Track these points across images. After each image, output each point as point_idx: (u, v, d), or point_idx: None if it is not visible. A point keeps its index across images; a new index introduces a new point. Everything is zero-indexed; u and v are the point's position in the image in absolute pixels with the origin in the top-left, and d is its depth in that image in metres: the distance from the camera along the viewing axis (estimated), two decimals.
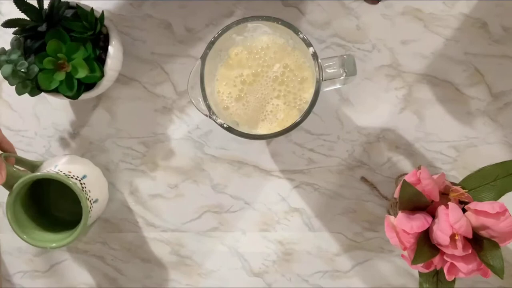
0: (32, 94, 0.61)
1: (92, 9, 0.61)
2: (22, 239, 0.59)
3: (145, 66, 0.69)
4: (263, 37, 0.60)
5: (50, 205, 0.67)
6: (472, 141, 0.67)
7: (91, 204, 0.61)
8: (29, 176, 0.58)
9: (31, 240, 0.59)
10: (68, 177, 0.59)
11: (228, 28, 0.57)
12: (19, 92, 0.60)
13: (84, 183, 0.61)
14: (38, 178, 0.59)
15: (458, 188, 0.55)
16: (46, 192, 0.67)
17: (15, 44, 0.61)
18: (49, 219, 0.65)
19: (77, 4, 0.61)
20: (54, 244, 0.59)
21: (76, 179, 0.60)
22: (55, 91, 0.61)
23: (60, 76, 0.60)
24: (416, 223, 0.52)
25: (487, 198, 0.54)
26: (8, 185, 0.58)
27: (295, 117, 0.58)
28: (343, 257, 0.68)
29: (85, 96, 0.63)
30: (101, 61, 0.63)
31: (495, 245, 0.51)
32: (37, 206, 0.65)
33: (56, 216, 0.66)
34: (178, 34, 0.69)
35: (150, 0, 0.68)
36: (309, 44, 0.56)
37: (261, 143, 0.68)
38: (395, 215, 0.56)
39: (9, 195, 0.59)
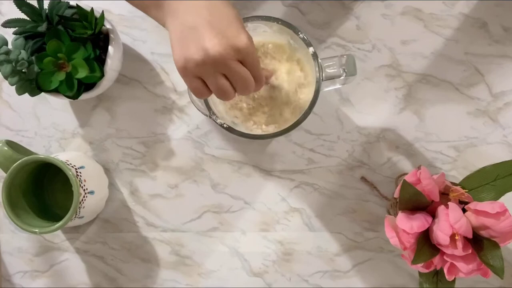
0: (32, 94, 0.61)
1: (92, 9, 0.61)
2: (9, 216, 0.60)
3: (145, 66, 0.69)
4: (263, 37, 0.60)
5: (52, 203, 0.68)
6: (472, 141, 0.67)
7: (85, 193, 0.61)
8: (25, 158, 0.59)
9: (18, 221, 0.60)
10: (63, 163, 0.60)
11: None
12: (19, 92, 0.60)
13: (80, 172, 0.62)
14: (34, 161, 0.60)
15: (458, 188, 0.55)
16: (50, 190, 0.68)
17: (15, 44, 0.61)
18: (49, 214, 0.65)
19: (77, 4, 0.61)
20: (37, 230, 0.60)
21: (72, 166, 0.61)
22: (55, 91, 0.61)
23: (60, 76, 0.60)
24: (416, 223, 0.52)
25: (487, 198, 0.54)
26: (6, 168, 0.60)
27: (295, 117, 0.58)
28: (343, 257, 0.68)
29: (85, 96, 0.63)
30: (101, 61, 0.63)
31: (495, 245, 0.51)
32: (39, 200, 0.66)
33: (56, 213, 0.67)
34: None
35: None
36: (309, 44, 0.56)
37: (261, 143, 0.68)
38: (395, 215, 0.56)
39: (6, 175, 0.60)
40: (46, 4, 0.61)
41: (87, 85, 0.63)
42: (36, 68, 0.60)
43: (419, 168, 0.54)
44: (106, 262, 0.70)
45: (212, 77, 0.47)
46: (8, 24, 0.60)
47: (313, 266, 0.69)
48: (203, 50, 0.45)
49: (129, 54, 0.69)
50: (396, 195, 0.56)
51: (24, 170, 0.61)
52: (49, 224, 0.61)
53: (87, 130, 0.70)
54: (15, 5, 0.59)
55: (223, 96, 0.48)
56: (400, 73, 0.67)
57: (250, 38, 0.46)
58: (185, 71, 0.46)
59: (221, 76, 0.47)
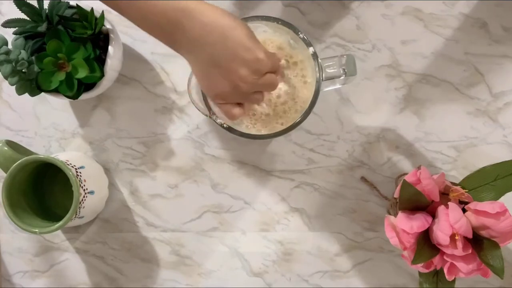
0: (32, 94, 0.61)
1: (92, 9, 0.61)
2: (9, 216, 0.59)
3: (145, 66, 0.69)
4: (263, 37, 0.60)
5: (52, 203, 0.68)
6: (472, 141, 0.67)
7: (85, 193, 0.61)
8: (25, 158, 0.59)
9: (18, 221, 0.59)
10: (63, 163, 0.60)
11: None
12: (19, 92, 0.60)
13: (80, 172, 0.62)
14: (34, 161, 0.60)
15: (458, 188, 0.55)
16: (50, 190, 0.68)
17: (15, 44, 0.61)
18: (49, 214, 0.65)
19: (77, 4, 0.61)
20: (37, 230, 0.59)
21: (72, 166, 0.61)
22: (55, 91, 0.61)
23: (60, 76, 0.60)
24: (416, 223, 0.52)
25: (487, 198, 0.54)
26: (6, 168, 0.60)
27: (295, 117, 0.58)
28: (343, 257, 0.68)
29: (85, 96, 0.63)
30: (101, 61, 0.63)
31: (495, 245, 0.51)
32: (39, 200, 0.66)
33: (56, 213, 0.67)
34: None
35: None
36: (309, 44, 0.56)
37: (261, 143, 0.68)
38: (395, 215, 0.56)
39: (6, 175, 0.60)
40: (46, 4, 0.61)
41: (87, 85, 0.63)
42: (36, 68, 0.60)
43: (419, 168, 0.54)
44: (106, 262, 0.70)
45: (246, 98, 0.51)
46: (8, 24, 0.60)
47: (313, 266, 0.69)
48: (232, 83, 0.48)
49: (129, 54, 0.69)
50: (396, 195, 0.56)
51: (24, 170, 0.61)
52: (49, 224, 0.60)
53: (87, 130, 0.70)
54: (15, 5, 0.59)
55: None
56: (400, 73, 0.67)
57: (266, 51, 0.48)
58: (216, 101, 0.51)
59: (254, 92, 0.51)
